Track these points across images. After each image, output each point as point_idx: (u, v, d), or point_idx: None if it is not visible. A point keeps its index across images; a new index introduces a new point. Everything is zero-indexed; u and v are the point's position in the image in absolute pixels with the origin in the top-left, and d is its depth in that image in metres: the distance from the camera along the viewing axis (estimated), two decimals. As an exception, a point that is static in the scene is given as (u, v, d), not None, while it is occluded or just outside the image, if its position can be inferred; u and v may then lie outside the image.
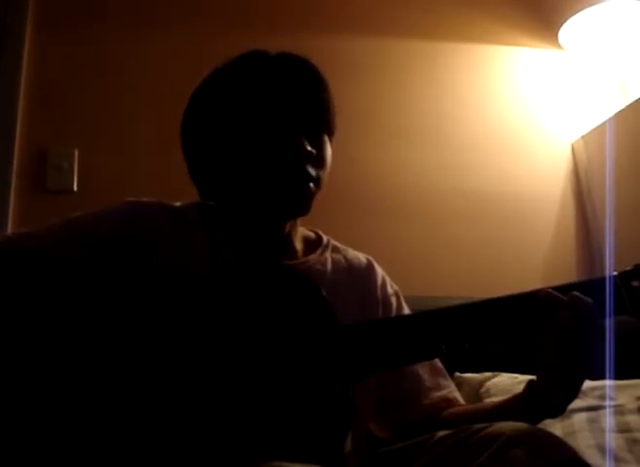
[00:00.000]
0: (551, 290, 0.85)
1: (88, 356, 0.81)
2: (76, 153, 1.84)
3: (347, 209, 1.87)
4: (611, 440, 1.21)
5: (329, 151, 1.02)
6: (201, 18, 2.02)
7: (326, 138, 1.02)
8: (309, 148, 0.97)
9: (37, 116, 1.85)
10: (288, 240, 1.05)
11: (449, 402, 1.03)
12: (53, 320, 0.83)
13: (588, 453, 1.16)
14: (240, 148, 0.98)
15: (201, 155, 1.03)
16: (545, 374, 0.85)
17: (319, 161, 1.00)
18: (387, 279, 1.12)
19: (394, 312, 1.08)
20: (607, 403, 1.34)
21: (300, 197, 0.98)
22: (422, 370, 1.03)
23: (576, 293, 0.83)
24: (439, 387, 1.04)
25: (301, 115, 0.98)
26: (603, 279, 0.86)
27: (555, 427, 1.24)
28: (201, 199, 1.06)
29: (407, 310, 1.10)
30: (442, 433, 0.84)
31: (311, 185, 0.98)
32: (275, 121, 0.97)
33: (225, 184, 1.02)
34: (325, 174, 1.01)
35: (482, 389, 1.49)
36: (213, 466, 0.77)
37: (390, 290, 1.11)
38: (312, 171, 0.97)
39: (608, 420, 1.28)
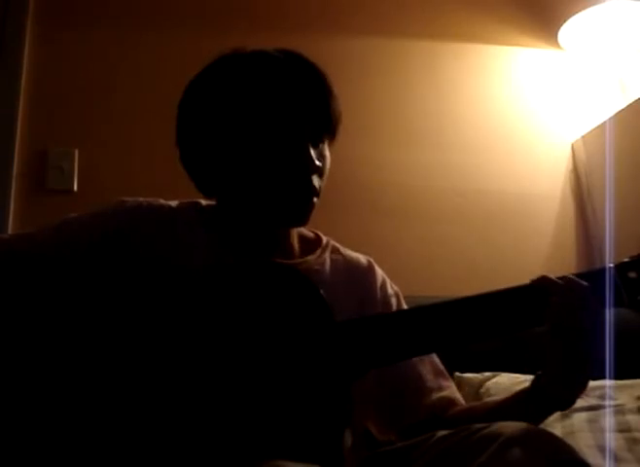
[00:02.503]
0: (546, 275, 0.88)
1: (84, 357, 0.82)
2: (76, 153, 1.84)
3: (347, 209, 1.87)
4: (611, 440, 1.21)
5: (329, 158, 1.01)
6: (201, 19, 2.02)
7: (327, 145, 1.01)
8: (317, 162, 0.96)
9: (37, 116, 1.85)
10: (284, 239, 1.05)
11: (451, 402, 1.03)
12: (49, 321, 0.83)
13: (588, 453, 1.16)
14: (243, 154, 0.96)
15: (199, 157, 1.01)
16: (550, 365, 0.86)
17: (322, 172, 0.99)
18: (387, 280, 1.12)
19: None
20: (607, 403, 1.34)
21: (303, 210, 0.98)
22: (424, 370, 1.03)
23: (570, 276, 0.85)
24: (440, 388, 1.03)
25: (308, 124, 0.96)
26: (600, 270, 0.87)
27: (555, 427, 1.24)
28: (201, 192, 1.03)
29: None
30: (442, 433, 0.84)
31: (315, 199, 0.97)
32: (283, 128, 0.94)
33: (223, 187, 1.01)
34: (324, 182, 1.00)
35: (482, 389, 1.49)
36: (213, 465, 0.77)
37: (390, 291, 1.10)
38: (317, 184, 0.97)
39: (608, 420, 1.28)
